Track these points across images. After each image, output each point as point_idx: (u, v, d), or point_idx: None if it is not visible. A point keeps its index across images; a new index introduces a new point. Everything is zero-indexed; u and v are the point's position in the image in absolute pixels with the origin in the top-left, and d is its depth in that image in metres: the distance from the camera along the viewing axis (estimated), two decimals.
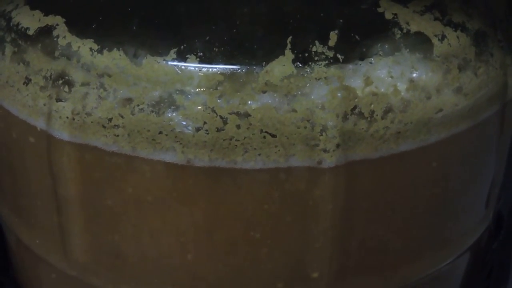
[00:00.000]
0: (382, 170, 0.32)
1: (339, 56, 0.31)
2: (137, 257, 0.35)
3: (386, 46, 0.32)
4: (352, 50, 0.31)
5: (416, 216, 0.35)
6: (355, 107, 0.31)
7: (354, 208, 0.32)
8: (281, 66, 0.30)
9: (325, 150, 0.31)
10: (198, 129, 0.30)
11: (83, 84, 0.32)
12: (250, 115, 0.30)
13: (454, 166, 0.35)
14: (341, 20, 0.31)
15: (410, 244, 0.36)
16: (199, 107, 0.30)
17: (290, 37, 0.31)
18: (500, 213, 0.45)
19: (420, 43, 0.32)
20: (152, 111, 0.31)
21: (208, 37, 0.31)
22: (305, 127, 0.31)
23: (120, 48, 0.31)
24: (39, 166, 0.35)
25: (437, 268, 0.38)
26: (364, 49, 0.31)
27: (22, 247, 0.40)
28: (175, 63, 0.31)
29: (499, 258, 0.45)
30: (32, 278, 0.41)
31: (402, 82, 0.32)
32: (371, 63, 0.31)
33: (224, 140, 0.30)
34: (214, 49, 0.31)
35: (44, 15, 0.34)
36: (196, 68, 0.30)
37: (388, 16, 0.32)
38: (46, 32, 0.33)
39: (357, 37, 0.31)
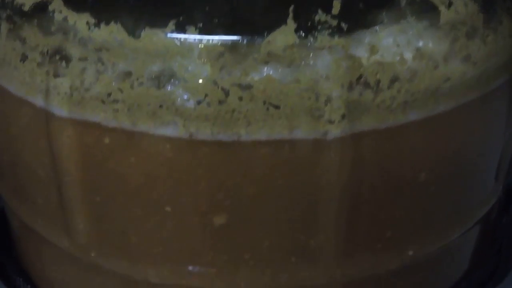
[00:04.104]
0: (389, 141, 0.32)
1: (343, 24, 0.30)
2: (141, 235, 0.34)
3: (392, 14, 0.31)
4: (357, 18, 0.30)
5: (424, 188, 0.34)
6: (360, 77, 0.30)
7: (361, 180, 0.32)
8: (284, 36, 0.30)
9: (330, 121, 0.30)
10: (199, 102, 0.30)
11: (80, 59, 0.31)
12: (252, 87, 0.30)
13: (462, 136, 0.34)
14: None
15: (418, 217, 0.35)
16: (200, 80, 0.30)
17: (292, 6, 0.30)
18: (510, 186, 0.44)
19: (427, 10, 0.32)
20: (152, 85, 0.30)
21: (207, 8, 0.30)
22: (309, 98, 0.30)
23: (118, 21, 0.31)
24: (38, 145, 0.34)
25: (446, 242, 0.37)
26: (369, 17, 0.31)
27: (25, 229, 0.40)
28: (174, 35, 0.30)
29: (509, 232, 0.44)
30: (35, 259, 0.41)
31: (408, 50, 0.31)
32: (376, 31, 0.30)
33: (226, 112, 0.30)
34: (214, 19, 0.30)
35: None
36: (196, 40, 0.30)
37: None
38: (41, 7, 0.33)
39: (361, 5, 0.31)
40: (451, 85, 0.32)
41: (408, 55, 0.31)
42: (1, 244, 0.44)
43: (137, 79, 0.30)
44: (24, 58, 0.33)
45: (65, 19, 0.32)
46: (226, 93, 0.30)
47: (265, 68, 0.30)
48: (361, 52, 0.30)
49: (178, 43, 0.30)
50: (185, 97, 0.30)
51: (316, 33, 0.30)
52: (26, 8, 0.33)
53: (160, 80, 0.30)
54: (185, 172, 0.31)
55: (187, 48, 0.30)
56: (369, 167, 0.32)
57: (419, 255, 0.36)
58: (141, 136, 0.31)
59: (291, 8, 0.30)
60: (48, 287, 0.41)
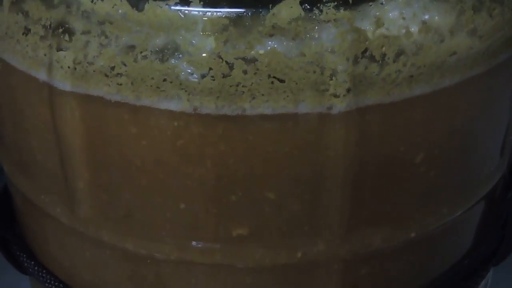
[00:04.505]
0: (395, 115, 0.31)
1: None
2: (144, 211, 0.34)
3: None
4: None
5: (428, 164, 0.34)
6: (365, 50, 0.30)
7: (366, 155, 0.31)
8: (289, 8, 0.29)
9: (335, 95, 0.30)
10: (203, 76, 0.30)
11: (83, 33, 0.31)
12: (257, 60, 0.29)
13: (468, 111, 0.34)
14: None
15: (423, 193, 0.35)
16: (204, 53, 0.29)
17: None
18: None
19: None
20: (156, 58, 0.30)
21: None
22: (314, 72, 0.30)
23: None
24: (42, 119, 0.34)
25: (451, 217, 0.37)
26: None
27: (28, 204, 0.40)
28: (178, 7, 0.29)
29: None
30: (38, 234, 0.41)
31: (414, 24, 0.31)
32: (382, 4, 0.30)
33: (230, 86, 0.30)
34: None
35: None
36: (200, 12, 0.29)
37: None
38: None
39: None
40: (457, 59, 0.32)
41: (414, 28, 0.31)
42: (4, 220, 0.44)
43: (141, 52, 0.30)
44: (26, 31, 0.33)
45: None
46: (231, 67, 0.29)
47: (270, 41, 0.29)
48: (367, 25, 0.30)
49: (182, 16, 0.29)
50: (189, 70, 0.30)
51: (321, 5, 0.29)
52: None
53: (164, 53, 0.30)
54: (189, 146, 0.31)
55: (191, 21, 0.29)
56: (374, 141, 0.31)
57: (424, 231, 0.36)
58: (144, 110, 0.31)
59: None
60: (52, 263, 0.41)
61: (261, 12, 0.29)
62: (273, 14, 0.29)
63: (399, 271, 0.38)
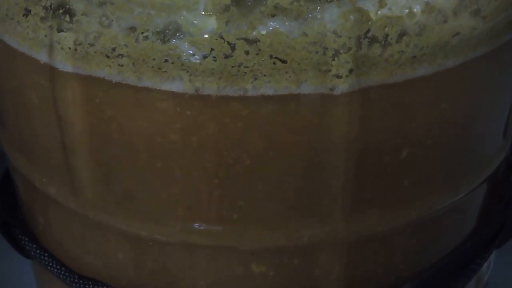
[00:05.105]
0: (397, 96, 0.31)
1: None
2: (146, 193, 0.34)
3: None
4: None
5: (432, 145, 0.34)
6: (368, 31, 0.30)
7: (368, 135, 0.31)
8: None
9: (337, 76, 0.30)
10: (205, 56, 0.29)
11: (84, 13, 0.31)
12: (259, 41, 0.29)
13: (471, 92, 0.34)
14: None
15: (425, 175, 0.35)
16: (205, 34, 0.29)
17: None
18: None
19: None
20: (157, 39, 0.30)
21: None
22: (317, 52, 0.29)
23: None
24: (43, 102, 0.34)
25: (454, 199, 0.37)
26: None
27: (30, 187, 0.40)
28: None
29: None
30: (41, 218, 0.41)
31: (417, 4, 0.30)
32: None
33: (232, 67, 0.29)
34: None
35: None
36: None
37: None
38: None
39: None
40: (460, 39, 0.32)
41: (417, 9, 0.30)
42: (6, 203, 0.44)
43: (142, 33, 0.30)
44: (27, 12, 0.32)
45: None
46: (232, 47, 0.29)
47: (272, 22, 0.29)
48: (369, 5, 0.30)
49: None
50: (191, 51, 0.29)
51: None
52: None
53: (165, 34, 0.30)
54: (190, 127, 0.31)
55: (192, 1, 0.29)
56: (377, 122, 0.31)
57: (426, 212, 0.36)
58: (146, 91, 0.31)
59: None
60: (54, 246, 0.41)
61: None
62: None
63: (402, 253, 0.38)
